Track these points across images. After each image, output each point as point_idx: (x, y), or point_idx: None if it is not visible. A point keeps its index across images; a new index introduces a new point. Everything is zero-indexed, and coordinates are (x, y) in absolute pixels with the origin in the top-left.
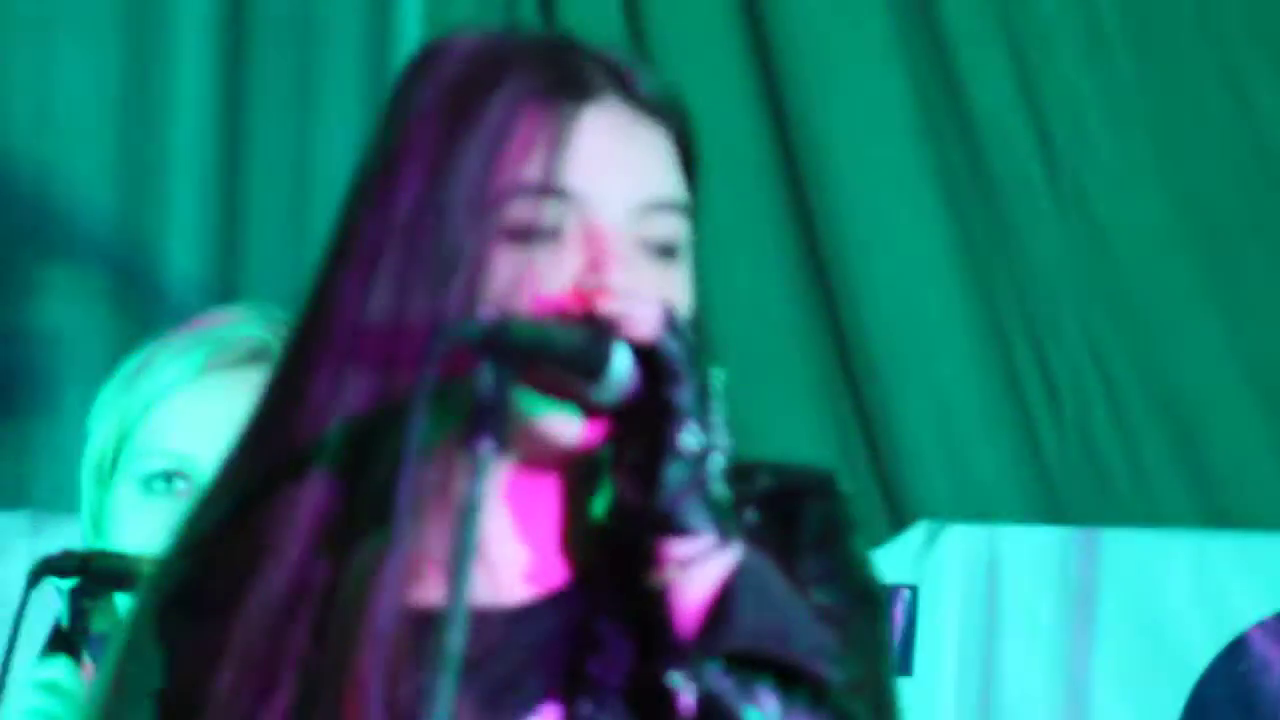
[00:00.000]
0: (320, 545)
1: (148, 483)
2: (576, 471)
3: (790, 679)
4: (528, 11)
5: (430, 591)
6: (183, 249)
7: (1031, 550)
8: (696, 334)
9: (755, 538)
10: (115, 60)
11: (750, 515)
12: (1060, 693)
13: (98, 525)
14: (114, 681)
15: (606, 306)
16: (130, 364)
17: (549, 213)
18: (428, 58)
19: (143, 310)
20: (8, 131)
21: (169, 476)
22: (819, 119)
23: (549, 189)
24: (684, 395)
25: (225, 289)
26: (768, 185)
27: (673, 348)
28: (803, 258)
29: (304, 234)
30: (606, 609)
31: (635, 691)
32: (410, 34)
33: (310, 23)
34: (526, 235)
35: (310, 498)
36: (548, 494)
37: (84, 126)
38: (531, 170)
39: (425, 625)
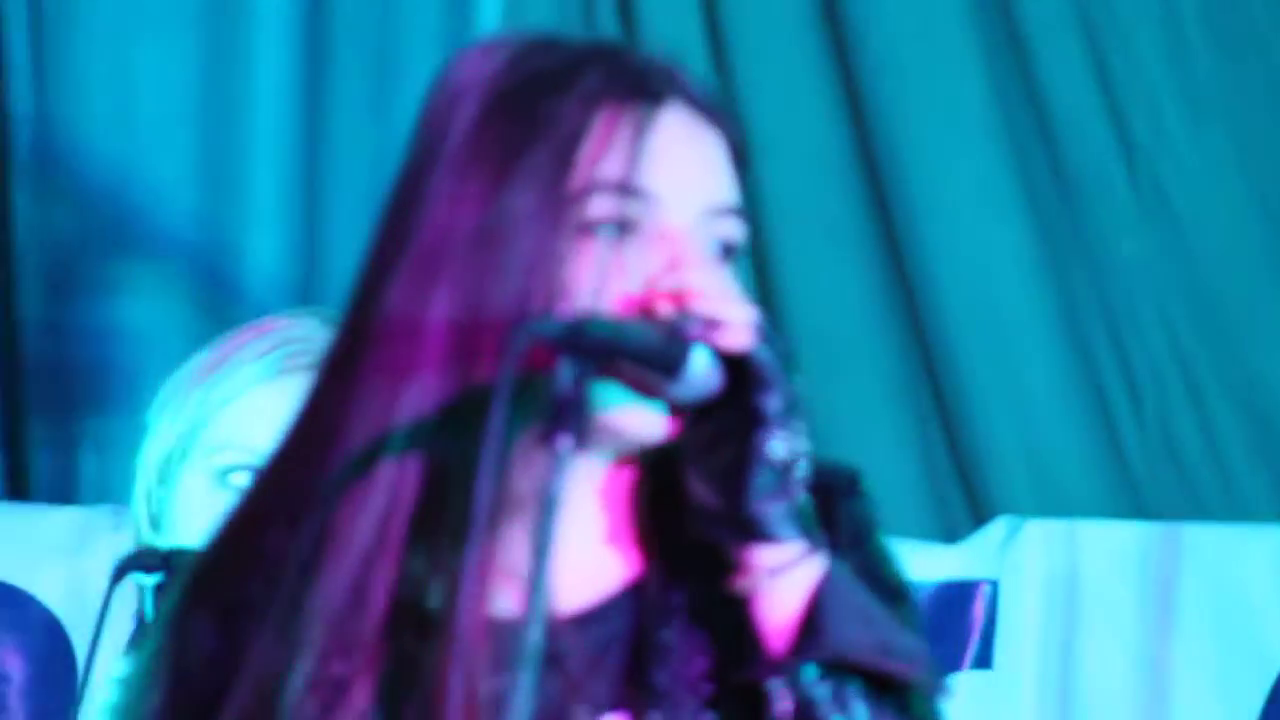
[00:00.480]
0: (392, 543)
1: (222, 476)
2: (647, 470)
3: (879, 686)
4: (605, 11)
5: (508, 595)
6: (263, 247)
7: (1112, 546)
8: (782, 340)
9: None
10: (195, 58)
11: None
12: (1141, 687)
13: (156, 520)
14: (148, 672)
15: (697, 307)
16: (199, 361)
17: (626, 212)
18: (459, 75)
19: (224, 307)
20: (89, 130)
21: (245, 470)
22: (897, 119)
23: (629, 188)
24: (774, 403)
25: (305, 286)
26: (847, 186)
27: (765, 355)
28: (883, 257)
29: None
30: (671, 613)
31: (721, 699)
32: (489, 31)
33: (389, 20)
34: (603, 234)
35: (380, 495)
36: (619, 492)
37: (164, 125)
38: (608, 170)
39: (502, 629)
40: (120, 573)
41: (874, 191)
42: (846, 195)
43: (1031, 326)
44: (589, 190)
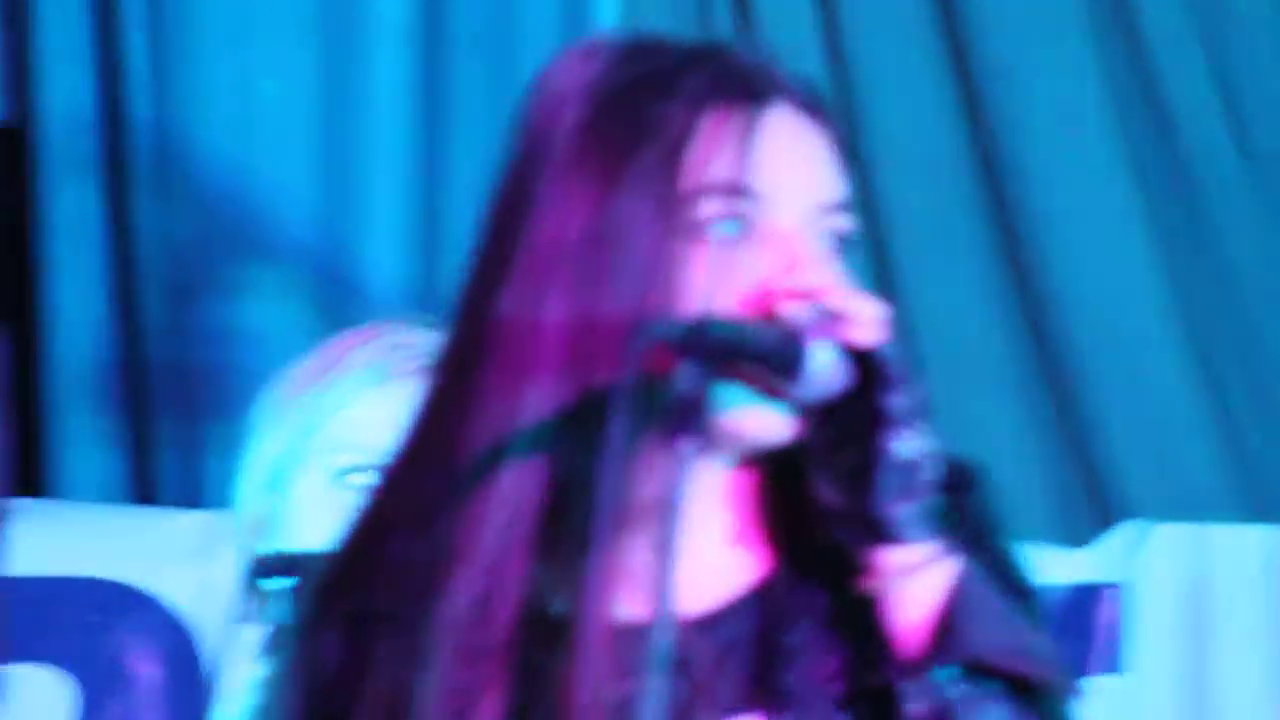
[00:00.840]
0: (516, 550)
1: (340, 477)
2: (771, 471)
3: (1017, 688)
4: (721, 14)
5: (632, 600)
6: (382, 249)
7: (1242, 549)
8: (905, 339)
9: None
10: (314, 62)
11: None
12: (1275, 688)
13: (263, 524)
14: (279, 683)
15: (825, 302)
16: (306, 366)
17: (739, 212)
18: (558, 79)
19: (344, 309)
20: (209, 135)
21: (362, 471)
22: (1016, 124)
23: (739, 189)
24: (900, 401)
25: (424, 288)
26: (966, 191)
27: (891, 353)
28: (1003, 260)
29: None
30: (799, 615)
31: (847, 700)
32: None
33: (507, 24)
34: (716, 236)
35: (503, 503)
36: (743, 494)
37: (284, 128)
38: (717, 172)
39: (627, 634)
40: (251, 577)
41: (993, 197)
42: (965, 200)
43: (1154, 330)
44: (699, 193)
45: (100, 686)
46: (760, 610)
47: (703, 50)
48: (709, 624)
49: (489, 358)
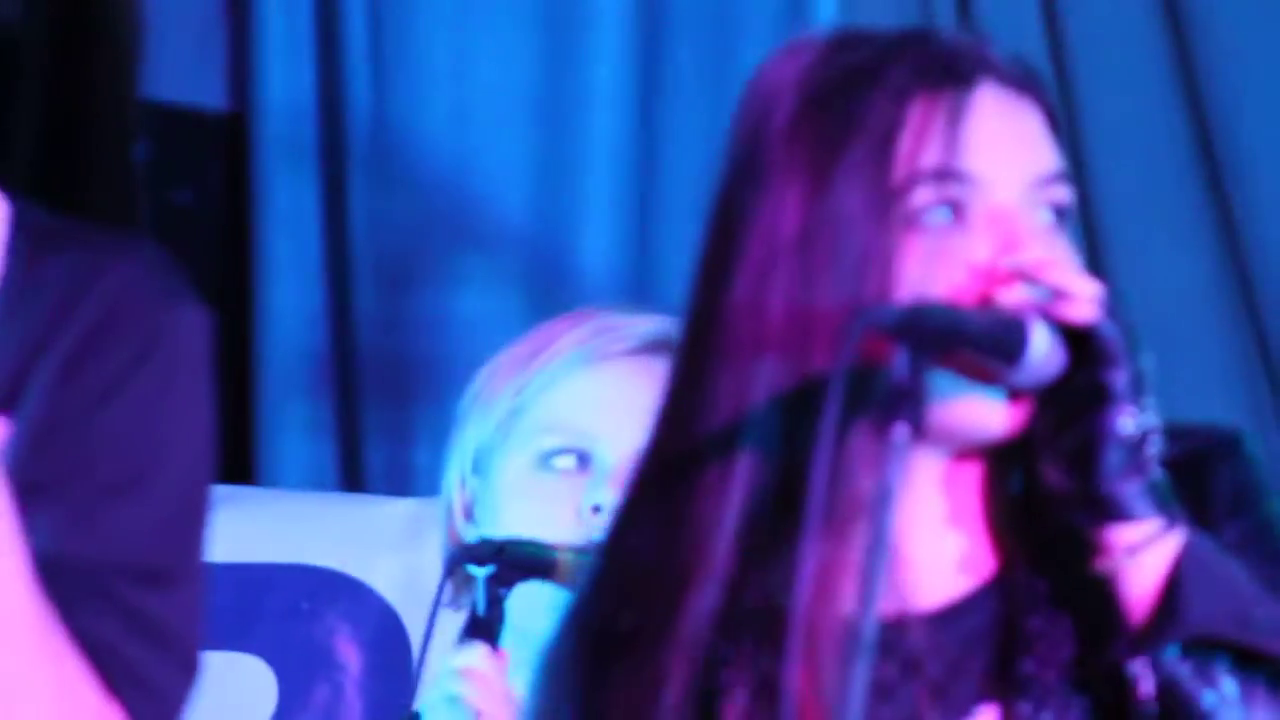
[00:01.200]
0: (746, 549)
1: (545, 460)
2: (995, 459)
3: (1247, 660)
4: (943, 7)
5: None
6: (598, 240)
7: None
8: (1123, 316)
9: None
10: (533, 54)
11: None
12: None
13: (470, 510)
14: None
15: (1043, 279)
16: (513, 351)
17: (953, 197)
18: (770, 78)
19: (558, 299)
20: (429, 125)
21: (568, 453)
22: (1238, 110)
23: (950, 174)
24: (1121, 378)
25: (638, 279)
26: (1186, 177)
27: (1110, 329)
28: (1222, 249)
29: None
30: (1034, 602)
31: (1084, 683)
32: (826, 24)
33: (726, 17)
34: (931, 223)
35: (728, 496)
36: (968, 484)
37: (502, 120)
38: (929, 158)
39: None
40: (454, 564)
41: (1213, 182)
42: (1185, 186)
43: None
44: (912, 182)
45: (306, 674)
46: (997, 600)
47: (906, 39)
48: (947, 618)
49: (717, 352)
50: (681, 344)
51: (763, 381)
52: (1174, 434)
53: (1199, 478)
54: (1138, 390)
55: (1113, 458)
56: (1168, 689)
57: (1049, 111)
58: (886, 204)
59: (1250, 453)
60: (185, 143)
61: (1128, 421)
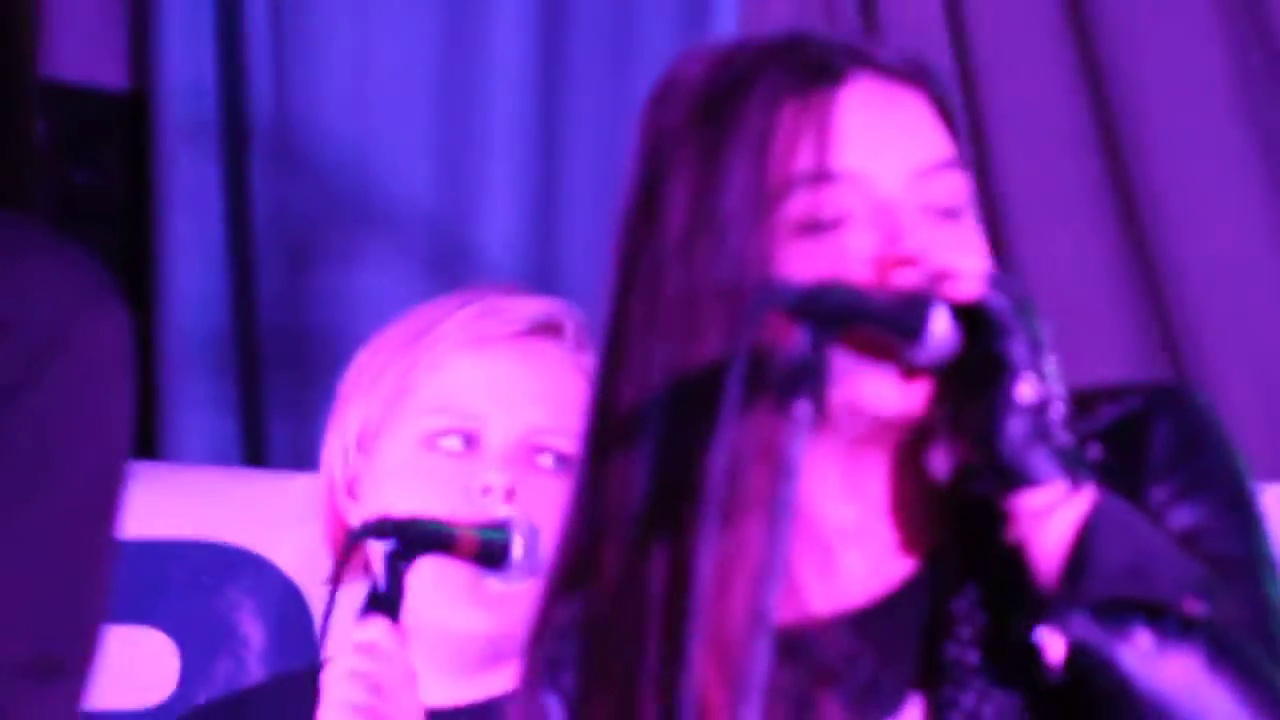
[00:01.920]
0: (647, 538)
1: (432, 440)
2: (908, 447)
3: (1160, 614)
4: (846, 9)
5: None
6: (498, 221)
7: None
8: (1018, 286)
9: (1102, 474)
10: (434, 36)
11: (1094, 450)
12: None
13: (352, 487)
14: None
15: (925, 268)
16: (397, 330)
17: (829, 198)
18: (668, 82)
19: (459, 279)
20: (331, 104)
21: (453, 435)
22: (1138, 92)
23: (824, 174)
24: (1016, 347)
25: (539, 261)
26: (1086, 161)
27: (999, 301)
28: (1123, 228)
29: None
30: (959, 586)
31: (997, 657)
32: (727, 9)
33: (626, 4)
34: (812, 226)
35: (631, 491)
36: (885, 473)
37: (403, 100)
38: (802, 161)
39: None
40: (355, 540)
41: (1114, 167)
42: (1086, 171)
43: (1274, 300)
44: (787, 186)
45: (209, 648)
46: (920, 594)
47: (781, 43)
48: (870, 619)
49: (623, 341)
50: (601, 330)
51: (658, 371)
52: (1115, 395)
53: (1138, 436)
54: (1035, 357)
55: (1014, 425)
56: (1079, 652)
57: (938, 100)
58: (765, 208)
59: (1193, 402)
60: (85, 122)
61: (1026, 389)
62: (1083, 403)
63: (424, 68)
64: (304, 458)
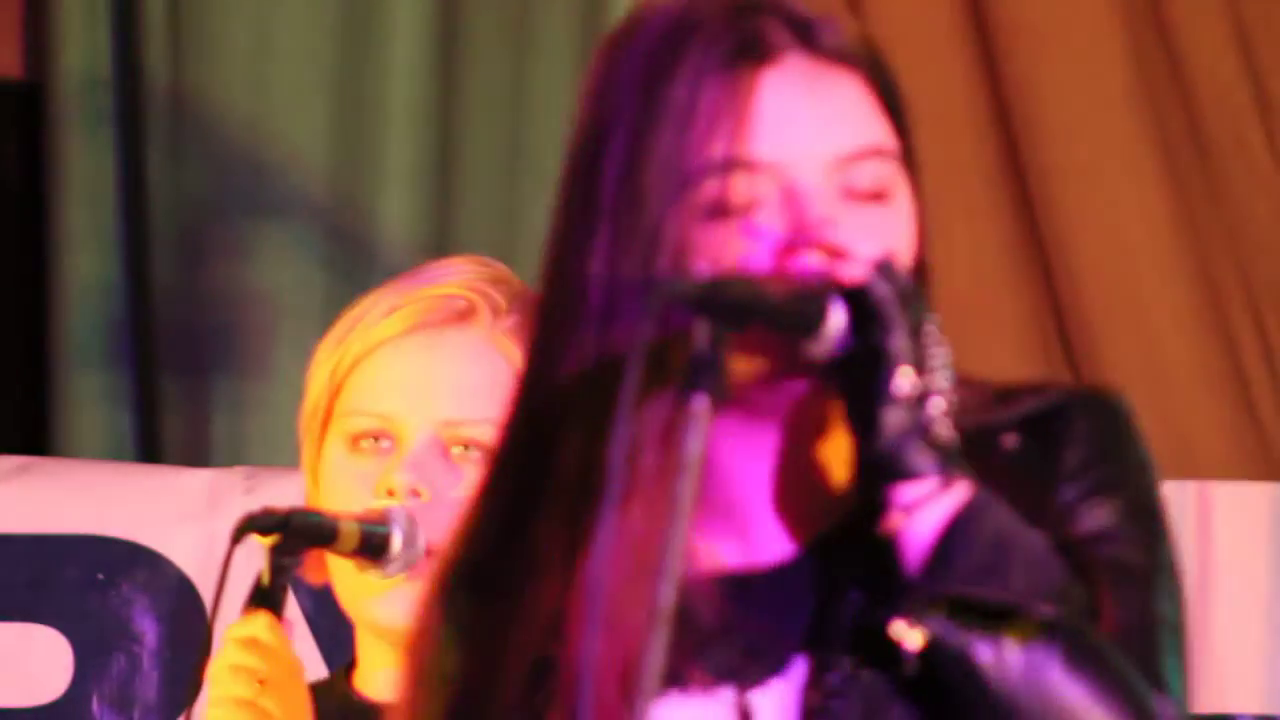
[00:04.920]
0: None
1: (354, 442)
2: (813, 426)
3: (1011, 614)
4: None
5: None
6: (396, 211)
7: (1245, 506)
8: (921, 277)
9: (1016, 463)
10: (331, 22)
11: (1011, 440)
12: (1275, 646)
13: (317, 480)
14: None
15: (814, 260)
16: (344, 319)
17: (741, 186)
18: (626, 29)
19: (356, 270)
20: (227, 94)
21: (372, 436)
22: (1033, 80)
23: (737, 162)
24: (894, 339)
25: (438, 251)
26: (981, 148)
27: (881, 291)
28: (1017, 220)
29: (516, 191)
30: (847, 561)
31: (863, 641)
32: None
33: None
34: (724, 211)
35: (535, 468)
36: (789, 448)
37: (300, 89)
38: (717, 147)
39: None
40: (240, 533)
41: (1009, 153)
42: (981, 157)
43: (1166, 288)
44: (704, 171)
45: (102, 645)
46: (820, 561)
47: (721, 11)
48: (773, 578)
49: (546, 324)
50: (533, 313)
51: (573, 355)
52: (1038, 390)
53: (1057, 430)
54: (918, 349)
55: (890, 417)
56: (934, 646)
57: (876, 84)
58: (680, 190)
59: (1115, 406)
60: None
61: (903, 382)
62: (1005, 394)
63: (321, 55)
64: (198, 452)
